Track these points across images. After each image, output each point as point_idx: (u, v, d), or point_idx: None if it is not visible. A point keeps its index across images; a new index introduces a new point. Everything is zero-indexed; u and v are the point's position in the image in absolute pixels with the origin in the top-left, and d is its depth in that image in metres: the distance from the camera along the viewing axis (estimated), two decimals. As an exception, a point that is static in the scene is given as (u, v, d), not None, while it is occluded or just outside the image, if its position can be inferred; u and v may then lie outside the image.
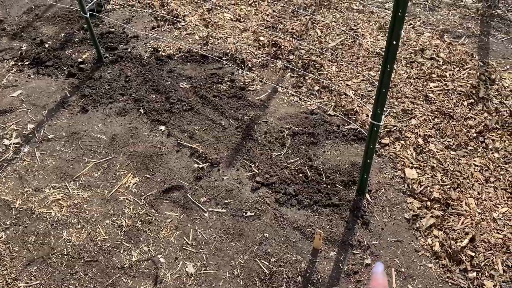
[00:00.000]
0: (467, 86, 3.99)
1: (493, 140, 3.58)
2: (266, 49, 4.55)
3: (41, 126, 3.92)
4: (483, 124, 3.67)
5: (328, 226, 3.09)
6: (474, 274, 2.81)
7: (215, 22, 4.92)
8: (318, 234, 2.88)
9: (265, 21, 4.90)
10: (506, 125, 3.68)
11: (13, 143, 3.78)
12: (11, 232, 3.18)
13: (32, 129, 3.89)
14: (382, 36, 4.61)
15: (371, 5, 5.06)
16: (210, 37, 4.75)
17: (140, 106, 4.02)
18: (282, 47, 4.52)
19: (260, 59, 4.46)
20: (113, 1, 5.35)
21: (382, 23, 4.77)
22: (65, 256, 3.02)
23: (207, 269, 2.92)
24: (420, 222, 3.09)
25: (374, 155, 3.46)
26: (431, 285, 2.80)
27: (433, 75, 4.11)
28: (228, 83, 4.22)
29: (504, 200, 3.18)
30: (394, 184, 3.33)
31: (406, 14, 2.41)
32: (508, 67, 4.24)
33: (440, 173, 3.35)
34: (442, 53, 4.34)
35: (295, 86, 4.17)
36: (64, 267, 2.97)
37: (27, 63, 4.58)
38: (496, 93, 3.94)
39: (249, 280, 2.85)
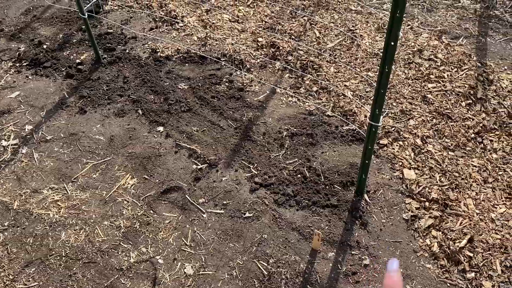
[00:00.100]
0: (465, 87, 4.00)
1: (491, 140, 3.58)
2: (265, 50, 4.56)
3: (39, 127, 3.91)
4: (481, 124, 3.68)
5: (327, 227, 3.09)
6: (473, 274, 2.81)
7: (213, 23, 4.92)
8: (317, 235, 2.88)
9: (264, 22, 4.91)
10: (504, 125, 3.69)
11: (11, 144, 3.77)
12: (9, 233, 3.17)
13: (30, 130, 3.89)
14: (380, 37, 4.62)
15: (369, 6, 5.07)
16: (208, 38, 4.75)
17: (139, 107, 4.01)
18: (281, 48, 4.52)
19: (258, 60, 4.46)
20: (111, 2, 5.35)
21: (380, 24, 4.77)
22: (63, 258, 3.01)
23: (206, 270, 2.92)
24: (419, 222, 3.09)
25: (373, 155, 3.46)
26: (430, 286, 2.80)
27: (431, 76, 4.12)
28: (227, 84, 4.22)
29: (502, 201, 3.19)
30: (393, 185, 3.33)
31: (404, 15, 2.41)
32: (506, 67, 4.25)
33: (439, 173, 3.35)
34: (440, 54, 4.35)
35: (293, 87, 4.17)
36: (62, 268, 2.96)
37: (25, 64, 4.58)
38: (494, 94, 3.95)
39: (248, 281, 2.85)
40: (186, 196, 3.32)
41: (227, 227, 3.12)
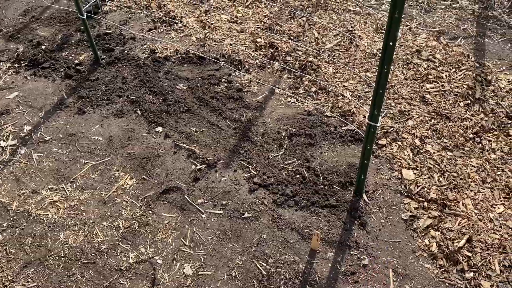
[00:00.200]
0: (464, 87, 4.01)
1: (489, 141, 3.59)
2: (263, 50, 4.56)
3: (38, 128, 3.91)
4: (479, 125, 3.69)
5: (326, 227, 3.09)
6: (471, 274, 2.82)
7: (212, 24, 4.92)
8: (316, 235, 2.88)
9: (262, 23, 4.91)
10: (502, 125, 3.70)
11: (10, 145, 3.77)
12: (8, 234, 3.17)
13: (29, 131, 3.88)
14: (378, 38, 4.63)
15: (368, 7, 5.08)
16: (207, 39, 4.76)
17: (137, 108, 4.01)
18: (279, 48, 4.53)
19: (257, 61, 4.47)
20: (110, 2, 5.35)
21: (378, 25, 4.78)
22: (62, 258, 3.01)
23: (205, 270, 2.92)
24: (417, 222, 3.10)
25: (371, 156, 3.46)
26: (429, 286, 2.80)
27: (429, 76, 4.13)
28: (225, 84, 4.23)
29: (501, 201, 3.19)
30: (391, 185, 3.34)
31: (403, 15, 2.42)
32: (504, 68, 4.26)
33: (437, 173, 3.36)
34: (438, 54, 4.36)
35: (292, 88, 4.18)
36: (61, 269, 2.96)
37: (23, 64, 4.57)
38: (492, 94, 3.96)
39: (247, 281, 2.85)
40: (185, 196, 3.32)
41: (226, 228, 3.12)
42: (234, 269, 2.91)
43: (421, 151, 3.53)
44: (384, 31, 4.55)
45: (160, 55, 4.58)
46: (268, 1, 5.22)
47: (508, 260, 2.86)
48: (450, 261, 2.90)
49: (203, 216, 3.20)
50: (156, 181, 3.43)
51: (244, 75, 4.32)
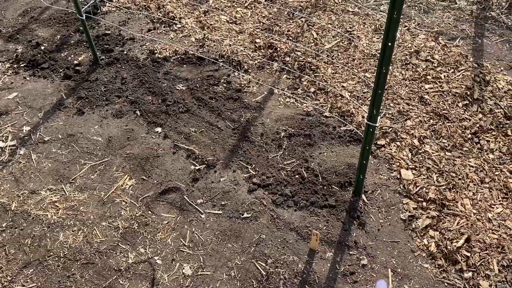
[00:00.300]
0: (462, 88, 4.02)
1: (487, 141, 3.60)
2: (262, 51, 4.57)
3: (37, 128, 3.91)
4: (478, 125, 3.70)
5: (325, 227, 3.10)
6: (470, 274, 2.83)
7: (211, 24, 4.93)
8: (315, 235, 2.89)
9: (261, 24, 4.92)
10: (501, 126, 3.71)
11: (9, 145, 3.77)
12: (7, 234, 3.17)
13: (28, 132, 3.88)
14: (377, 38, 4.64)
15: (366, 8, 5.09)
16: (206, 39, 4.76)
17: (137, 108, 4.02)
18: (278, 49, 4.54)
19: (256, 61, 4.47)
20: (109, 3, 5.36)
21: (377, 25, 4.79)
22: (62, 259, 3.01)
23: (204, 270, 2.92)
24: (416, 222, 3.11)
25: (370, 156, 3.47)
26: (427, 285, 2.81)
27: (428, 77, 4.14)
28: (225, 85, 4.23)
29: (499, 201, 3.20)
30: (390, 185, 3.34)
31: (401, 16, 2.43)
32: (502, 68, 4.28)
33: (436, 174, 3.37)
34: (437, 55, 4.38)
35: (291, 88, 4.18)
36: (60, 269, 2.96)
37: (22, 65, 4.57)
38: (491, 95, 3.97)
39: (246, 281, 2.85)
40: (184, 196, 3.32)
41: (225, 228, 3.13)
42: (234, 269, 2.92)
43: (420, 151, 3.54)
44: (382, 32, 4.57)
45: (159, 55, 4.59)
46: (267, 1, 5.23)
47: (507, 260, 2.87)
48: (448, 261, 2.90)
49: (202, 216, 3.21)
50: (155, 181, 3.44)
51: (243, 76, 4.33)
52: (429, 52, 4.41)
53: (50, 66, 4.53)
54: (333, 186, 3.34)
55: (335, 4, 5.14)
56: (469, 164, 3.43)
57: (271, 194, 3.31)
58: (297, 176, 3.42)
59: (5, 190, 3.44)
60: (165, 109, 3.99)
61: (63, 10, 5.34)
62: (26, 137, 3.84)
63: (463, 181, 3.32)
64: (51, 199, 3.35)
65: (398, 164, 3.47)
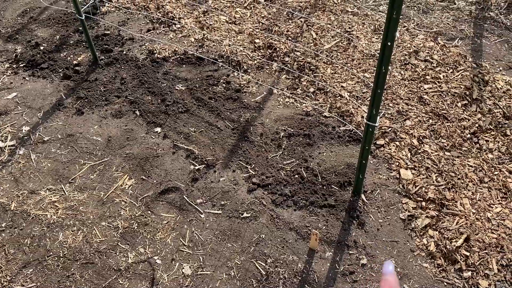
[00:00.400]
0: (461, 88, 4.03)
1: (486, 141, 3.61)
2: (262, 51, 4.57)
3: (36, 129, 3.91)
4: (477, 125, 3.71)
5: (324, 227, 3.10)
6: (469, 273, 2.83)
7: (210, 25, 4.94)
8: (314, 235, 2.89)
9: (261, 24, 4.93)
10: (500, 126, 3.72)
11: (8, 146, 3.77)
12: (6, 234, 3.16)
13: (28, 132, 3.88)
14: (376, 39, 4.65)
15: (366, 8, 5.10)
16: (205, 40, 4.77)
17: (136, 108, 4.02)
18: (278, 49, 4.54)
19: (255, 61, 4.48)
20: (108, 3, 5.36)
21: (376, 26, 4.80)
22: (61, 258, 3.01)
23: (204, 270, 2.92)
24: (415, 222, 3.11)
25: (370, 156, 3.48)
26: (427, 285, 2.81)
27: (427, 77, 4.15)
28: (224, 85, 4.24)
29: (498, 200, 3.21)
30: (390, 185, 3.35)
31: (400, 16, 2.44)
32: (501, 68, 4.29)
33: (435, 173, 3.38)
34: (436, 55, 4.38)
35: (290, 88, 4.19)
36: (60, 269, 2.96)
37: (22, 65, 4.57)
38: (490, 95, 3.98)
39: (246, 281, 2.86)
40: (184, 196, 3.32)
41: (225, 227, 3.13)
42: (233, 269, 2.92)
43: (419, 151, 3.54)
44: (382, 32, 4.57)
45: (158, 55, 4.59)
46: (267, 2, 5.23)
47: (506, 259, 2.88)
48: (448, 260, 2.91)
49: (202, 216, 3.21)
50: (155, 181, 3.44)
51: (242, 76, 4.33)
52: (428, 52, 4.42)
53: (50, 66, 4.53)
54: (332, 185, 3.34)
55: (334, 5, 5.15)
56: (468, 164, 3.44)
57: (270, 194, 3.31)
58: (296, 176, 3.42)
59: (5, 190, 3.44)
60: (164, 109, 3.99)
61: (62, 10, 5.34)
62: (26, 137, 3.84)
63: (462, 181, 3.33)
64: (51, 199, 3.35)
65: (397, 164, 3.47)
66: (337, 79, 4.21)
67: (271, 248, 3.00)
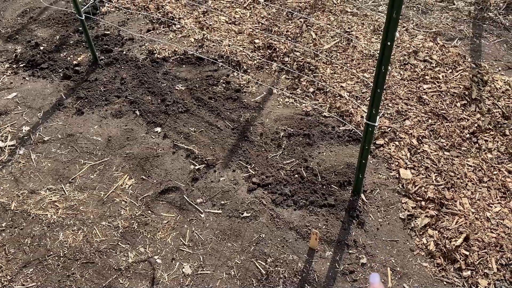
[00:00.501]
0: (460, 88, 4.04)
1: (486, 140, 3.62)
2: (261, 51, 4.58)
3: (36, 128, 3.91)
4: (476, 125, 3.72)
5: (324, 226, 3.11)
6: (469, 272, 2.84)
7: (210, 25, 4.94)
8: (314, 234, 2.90)
9: (260, 24, 4.93)
10: (499, 126, 3.73)
11: (8, 145, 3.77)
12: (7, 234, 3.17)
13: (28, 131, 3.89)
14: (376, 39, 4.66)
15: (365, 8, 5.11)
16: (205, 40, 4.77)
17: (136, 108, 4.02)
18: (277, 49, 4.55)
19: (255, 61, 4.49)
20: (108, 3, 5.36)
21: (376, 26, 4.81)
22: (61, 258, 3.02)
23: (204, 269, 2.93)
24: (415, 221, 3.12)
25: (369, 155, 3.49)
26: (426, 284, 2.82)
27: (426, 77, 4.16)
28: (224, 85, 4.24)
29: (497, 200, 3.22)
30: (389, 184, 3.36)
31: (400, 16, 2.45)
32: (500, 69, 4.30)
33: (434, 173, 3.39)
34: (435, 55, 4.40)
35: (290, 88, 4.20)
36: (60, 269, 2.96)
37: (22, 65, 4.57)
38: (489, 95, 3.99)
39: (246, 280, 2.86)
40: (184, 196, 3.33)
41: (225, 227, 3.14)
42: (233, 268, 2.92)
43: (419, 151, 3.55)
44: (381, 32, 4.58)
45: (158, 56, 4.60)
46: (266, 2, 5.24)
47: (505, 259, 2.88)
48: (447, 259, 2.92)
49: (202, 215, 3.21)
50: (155, 181, 3.44)
51: (242, 76, 4.34)
52: (427, 53, 4.43)
53: (50, 66, 4.53)
54: (332, 185, 3.35)
55: (334, 5, 5.16)
56: (467, 164, 3.45)
57: (270, 193, 3.32)
58: (296, 175, 3.43)
59: (5, 190, 3.44)
60: (164, 109, 4.00)
61: (62, 10, 5.34)
62: (26, 137, 3.84)
63: (461, 181, 3.34)
64: (51, 199, 3.36)
65: (397, 163, 3.48)
66: (336, 79, 4.22)
67: (271, 248, 3.01)
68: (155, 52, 4.64)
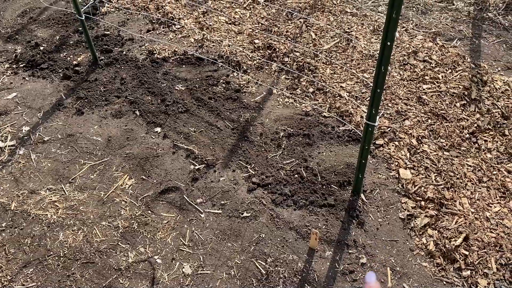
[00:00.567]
0: (460, 88, 4.04)
1: (485, 140, 3.63)
2: (261, 51, 4.59)
3: (36, 129, 3.91)
4: (475, 125, 3.72)
5: (324, 226, 3.12)
6: (468, 272, 2.84)
7: (210, 25, 4.95)
8: (314, 234, 2.90)
9: (260, 24, 4.94)
10: (498, 126, 3.73)
11: (8, 146, 3.77)
12: (7, 234, 3.17)
13: (28, 132, 3.89)
14: (375, 39, 4.66)
15: (365, 9, 5.12)
16: (205, 40, 4.78)
17: (136, 108, 4.03)
18: (277, 49, 4.55)
19: (255, 62, 4.49)
20: (108, 4, 5.37)
21: (375, 26, 4.82)
22: (62, 258, 3.02)
23: (204, 269, 2.93)
24: (415, 221, 3.12)
25: (369, 155, 3.49)
26: (426, 284, 2.83)
27: (426, 77, 4.17)
28: (224, 85, 4.25)
29: (497, 200, 3.23)
30: (389, 184, 3.36)
31: (399, 17, 2.45)
32: (499, 69, 4.31)
33: (434, 173, 3.39)
34: (434, 55, 4.40)
35: (290, 88, 4.20)
36: (60, 268, 2.97)
37: (22, 65, 4.58)
38: (488, 95, 4.00)
39: (246, 280, 2.87)
40: (184, 196, 3.33)
41: (225, 227, 3.14)
42: (233, 268, 2.93)
43: (418, 151, 3.56)
44: (380, 33, 4.59)
45: (158, 56, 4.60)
46: (266, 2, 5.25)
47: (505, 258, 2.89)
48: (447, 259, 2.92)
49: (202, 215, 3.22)
50: (155, 181, 3.45)
51: (242, 76, 4.34)
52: (427, 53, 4.44)
53: (49, 66, 4.54)
54: (332, 185, 3.35)
55: (333, 5, 5.16)
56: (467, 164, 3.46)
57: (270, 193, 3.32)
58: (296, 175, 3.43)
59: (5, 190, 3.45)
60: (164, 109, 4.00)
61: (62, 10, 5.34)
62: (26, 137, 3.84)
63: (461, 181, 3.34)
64: (51, 199, 3.36)
65: (396, 163, 3.48)
66: (336, 79, 4.22)
67: (271, 248, 3.01)
68: (155, 52, 4.65)
